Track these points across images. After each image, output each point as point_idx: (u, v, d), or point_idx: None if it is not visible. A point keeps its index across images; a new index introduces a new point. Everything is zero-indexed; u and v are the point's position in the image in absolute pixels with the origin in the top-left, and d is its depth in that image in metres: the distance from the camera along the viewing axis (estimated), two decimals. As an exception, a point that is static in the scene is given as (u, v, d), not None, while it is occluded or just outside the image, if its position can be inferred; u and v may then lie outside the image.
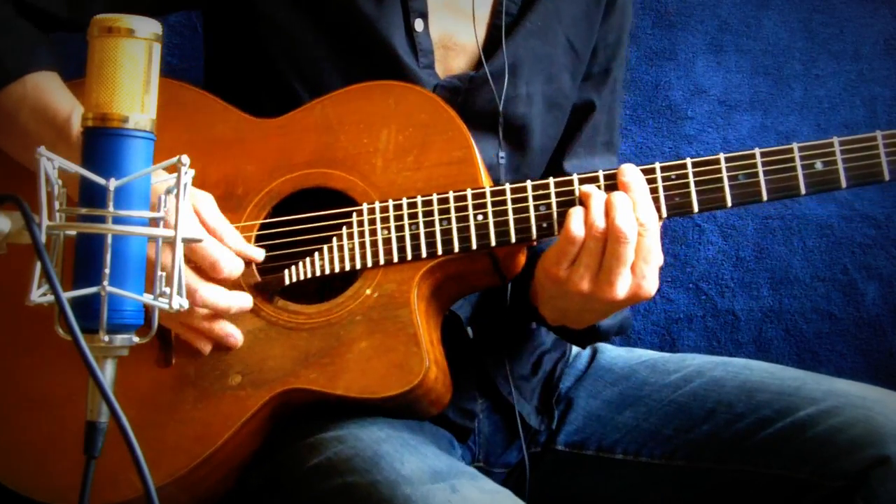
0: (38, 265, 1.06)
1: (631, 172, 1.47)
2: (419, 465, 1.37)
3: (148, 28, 1.10)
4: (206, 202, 1.48)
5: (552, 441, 1.71)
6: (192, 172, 1.12)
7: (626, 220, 1.42)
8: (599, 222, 1.42)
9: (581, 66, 1.72)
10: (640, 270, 1.43)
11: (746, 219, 2.26)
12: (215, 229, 1.47)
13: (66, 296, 1.04)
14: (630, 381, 1.72)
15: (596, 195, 1.45)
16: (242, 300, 1.48)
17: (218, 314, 1.47)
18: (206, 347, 1.49)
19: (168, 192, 1.12)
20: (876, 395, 1.55)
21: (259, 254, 1.51)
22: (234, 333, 1.48)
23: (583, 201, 1.46)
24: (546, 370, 1.74)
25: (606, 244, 1.42)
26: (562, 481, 1.71)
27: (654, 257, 1.44)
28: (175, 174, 1.11)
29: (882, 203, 2.25)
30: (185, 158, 1.11)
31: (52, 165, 1.09)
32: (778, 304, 2.26)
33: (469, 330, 1.63)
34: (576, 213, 1.45)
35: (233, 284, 1.47)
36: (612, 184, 1.47)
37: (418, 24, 1.60)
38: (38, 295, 1.07)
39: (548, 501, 1.72)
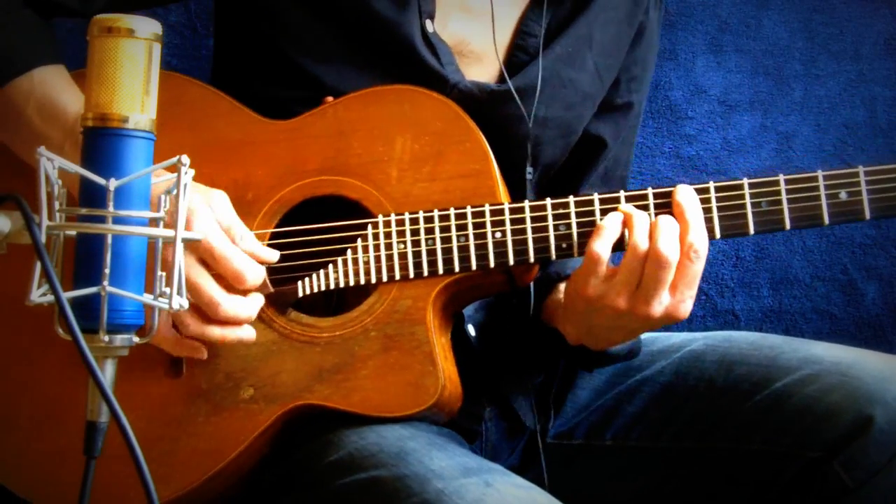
0: (38, 265, 1.06)
1: (685, 193, 1.44)
2: (448, 461, 1.36)
3: (148, 28, 1.10)
4: (221, 201, 1.45)
5: (542, 435, 1.70)
6: (192, 172, 1.12)
7: (670, 245, 1.40)
8: (642, 245, 1.41)
9: (602, 94, 1.69)
10: (681, 294, 1.42)
11: (746, 219, 2.26)
12: (230, 228, 1.44)
13: (66, 296, 1.04)
14: (616, 367, 1.70)
15: (638, 215, 1.43)
16: (259, 303, 1.45)
17: (232, 322, 1.44)
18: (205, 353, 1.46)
19: (168, 191, 1.12)
20: (852, 356, 1.53)
21: (273, 255, 1.47)
22: (248, 334, 1.46)
23: (626, 222, 1.43)
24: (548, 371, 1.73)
25: (646, 266, 1.41)
26: (551, 473, 1.70)
27: (697, 282, 1.43)
28: (175, 174, 1.11)
29: (882, 203, 2.25)
30: (185, 158, 1.10)
31: (53, 165, 1.09)
32: (778, 304, 2.26)
33: (470, 328, 1.62)
34: (603, 234, 1.43)
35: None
36: (663, 202, 1.44)
37: (429, 25, 1.57)
38: (38, 295, 1.07)
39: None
